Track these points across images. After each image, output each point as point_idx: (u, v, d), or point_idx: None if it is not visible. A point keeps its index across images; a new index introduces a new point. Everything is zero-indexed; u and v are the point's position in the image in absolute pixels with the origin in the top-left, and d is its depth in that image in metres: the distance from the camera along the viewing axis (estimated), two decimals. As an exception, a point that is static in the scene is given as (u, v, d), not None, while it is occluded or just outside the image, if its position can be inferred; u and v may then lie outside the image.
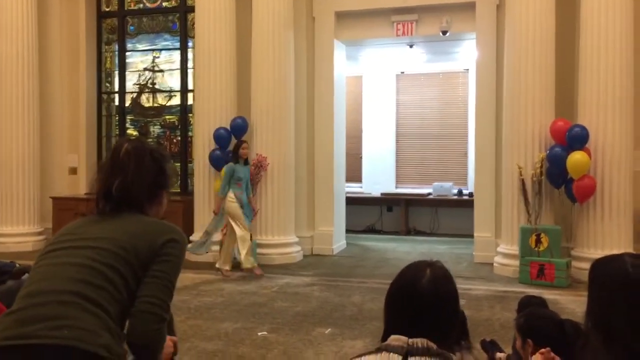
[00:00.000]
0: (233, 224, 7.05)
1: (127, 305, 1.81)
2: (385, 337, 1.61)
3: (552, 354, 2.18)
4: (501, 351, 4.18)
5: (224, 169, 7.18)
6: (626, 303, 1.66)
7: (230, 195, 7.06)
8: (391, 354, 1.53)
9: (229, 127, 7.91)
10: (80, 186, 9.49)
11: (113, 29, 9.89)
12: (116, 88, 9.91)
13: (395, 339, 1.56)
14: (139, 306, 1.79)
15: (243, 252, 7.01)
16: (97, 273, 1.79)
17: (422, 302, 1.59)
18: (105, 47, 9.96)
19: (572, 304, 5.64)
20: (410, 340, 1.54)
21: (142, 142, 2.07)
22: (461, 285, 6.53)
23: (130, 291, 1.81)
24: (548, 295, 6.00)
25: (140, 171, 1.97)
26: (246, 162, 7.32)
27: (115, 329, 1.76)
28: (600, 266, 1.80)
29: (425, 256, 7.29)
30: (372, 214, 11.06)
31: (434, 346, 1.54)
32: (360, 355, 1.59)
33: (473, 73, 9.13)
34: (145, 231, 1.89)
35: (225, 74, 8.06)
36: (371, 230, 10.91)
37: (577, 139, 6.56)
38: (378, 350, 1.56)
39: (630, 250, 6.37)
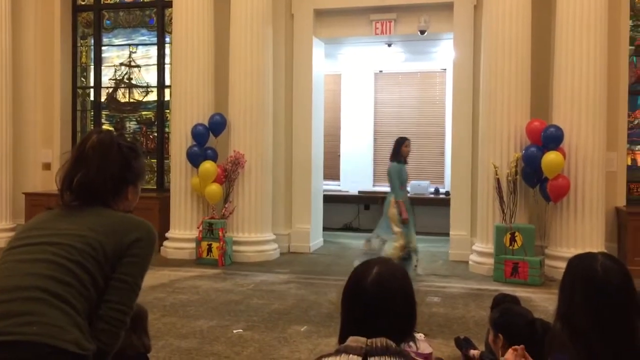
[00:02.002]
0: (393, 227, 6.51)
1: (95, 301, 1.79)
2: (342, 337, 1.59)
3: (525, 353, 2.20)
4: (475, 348, 4.23)
5: (392, 170, 6.48)
6: (589, 301, 1.70)
7: (392, 199, 6.47)
8: (350, 355, 1.51)
9: (207, 124, 7.86)
10: (54, 182, 9.32)
11: (89, 23, 9.75)
12: (91, 83, 9.77)
13: (354, 340, 1.54)
14: (108, 312, 1.80)
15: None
16: (64, 269, 1.76)
17: (368, 301, 1.58)
18: (80, 41, 9.81)
19: (545, 302, 5.72)
20: (369, 340, 1.52)
21: (111, 134, 2.00)
22: (436, 283, 6.64)
23: (97, 287, 1.80)
24: (522, 293, 6.11)
25: (104, 165, 1.92)
26: (405, 162, 6.66)
27: (83, 325, 1.74)
28: (573, 263, 1.84)
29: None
30: (350, 212, 11.08)
31: (393, 345, 1.52)
32: (320, 358, 1.57)
33: (450, 73, 9.19)
34: (111, 229, 1.86)
35: (203, 70, 8.00)
36: (348, 228, 10.93)
37: (551, 139, 6.65)
38: (337, 352, 1.54)
39: (602, 249, 6.49)
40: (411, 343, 1.61)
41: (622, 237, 7.26)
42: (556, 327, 1.77)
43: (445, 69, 10.82)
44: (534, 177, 6.87)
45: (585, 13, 6.71)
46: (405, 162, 6.57)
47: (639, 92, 7.73)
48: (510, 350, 1.90)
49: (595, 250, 2.20)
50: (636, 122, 7.72)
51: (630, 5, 7.56)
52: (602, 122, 6.83)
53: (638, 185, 7.69)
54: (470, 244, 7.63)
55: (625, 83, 7.54)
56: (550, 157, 6.60)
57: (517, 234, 6.72)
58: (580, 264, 1.79)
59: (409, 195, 7.13)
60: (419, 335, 3.21)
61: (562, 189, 6.66)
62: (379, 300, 1.57)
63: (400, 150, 6.51)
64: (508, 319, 3.06)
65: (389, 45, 9.68)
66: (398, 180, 6.40)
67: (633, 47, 7.69)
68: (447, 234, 8.34)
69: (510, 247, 6.74)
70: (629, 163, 7.67)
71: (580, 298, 1.71)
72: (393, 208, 6.41)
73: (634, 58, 7.72)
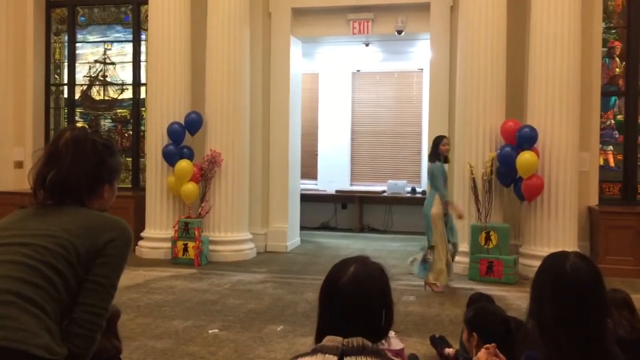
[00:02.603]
0: (433, 229, 6.25)
1: (67, 304, 1.74)
2: (318, 336, 1.58)
3: (497, 351, 2.22)
4: (450, 347, 4.25)
5: (435, 169, 6.26)
6: (558, 299, 1.72)
7: (437, 198, 6.22)
8: (327, 355, 1.50)
9: (183, 122, 7.79)
10: (26, 180, 9.15)
11: (62, 19, 9.60)
12: (65, 80, 9.62)
13: (331, 340, 1.52)
14: (82, 315, 1.74)
15: (434, 263, 6.23)
16: (35, 271, 1.71)
17: (344, 301, 1.56)
18: (54, 37, 9.64)
19: (518, 300, 5.78)
20: (345, 340, 1.51)
21: (85, 131, 1.95)
22: (412, 282, 6.68)
23: (69, 289, 1.75)
24: (496, 291, 6.18)
25: (78, 162, 1.86)
26: (446, 160, 6.42)
27: (54, 329, 1.69)
28: (546, 262, 1.87)
29: (378, 253, 7.31)
30: (327, 211, 11.09)
31: (370, 344, 1.51)
32: (296, 357, 1.56)
33: (427, 72, 9.25)
34: (85, 229, 1.80)
35: (179, 68, 7.93)
36: (325, 227, 10.94)
37: (526, 139, 6.73)
38: (314, 351, 1.53)
39: (575, 247, 6.59)
40: (383, 341, 1.60)
41: (595, 236, 7.37)
42: (528, 325, 1.80)
43: (422, 69, 10.88)
44: (509, 176, 6.94)
45: (560, 15, 6.80)
46: (446, 161, 6.39)
47: (611, 93, 7.86)
48: (482, 350, 1.91)
49: (568, 249, 2.23)
50: (608, 122, 7.85)
51: (603, 8, 7.68)
52: (576, 123, 6.93)
53: (610, 184, 7.82)
54: (446, 243, 7.67)
55: (598, 84, 7.66)
56: (525, 157, 6.67)
57: (492, 232, 6.79)
58: (551, 263, 1.82)
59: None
60: (390, 333, 3.24)
61: (536, 188, 6.74)
62: (355, 300, 1.56)
63: (438, 149, 6.33)
64: (482, 317, 3.08)
65: (367, 44, 9.70)
66: (442, 178, 6.27)
67: (606, 49, 7.82)
68: (424, 233, 8.35)
69: (486, 246, 6.81)
70: (601, 163, 7.80)
71: (549, 296, 1.74)
72: (436, 207, 6.20)
73: (607, 60, 7.85)
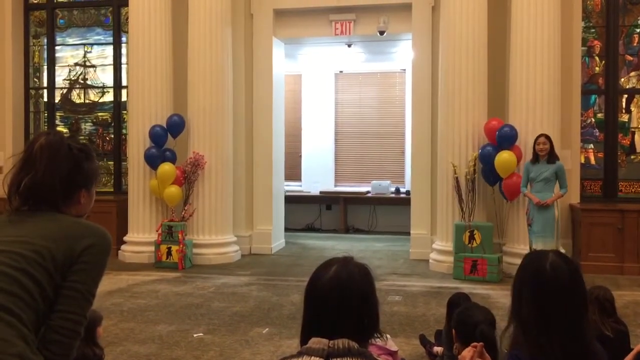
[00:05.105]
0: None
1: (43, 311, 1.71)
2: (303, 338, 1.56)
3: (483, 350, 2.21)
4: (439, 345, 4.27)
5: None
6: (537, 298, 1.73)
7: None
8: (312, 357, 1.49)
9: (165, 125, 7.73)
10: (6, 185, 9.03)
11: (41, 22, 9.48)
12: (45, 83, 9.50)
13: (316, 342, 1.51)
14: (59, 322, 1.70)
15: None
16: (9, 279, 1.67)
17: (325, 302, 1.55)
18: (33, 40, 9.52)
19: (502, 298, 5.80)
20: (331, 342, 1.49)
21: (60, 135, 1.90)
22: (397, 282, 6.68)
23: (46, 297, 1.71)
24: (480, 290, 6.22)
25: (52, 167, 1.81)
26: (550, 160, 6.32)
27: (29, 337, 1.66)
28: (526, 260, 1.87)
29: (362, 254, 7.33)
30: (311, 213, 11.07)
31: (355, 345, 1.50)
32: None
33: (410, 73, 9.27)
34: (61, 235, 1.76)
35: (161, 71, 7.87)
36: (310, 228, 10.92)
37: (506, 138, 6.77)
38: (299, 354, 1.51)
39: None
40: (378, 336, 1.59)
41: (577, 233, 7.43)
42: (511, 324, 1.80)
43: (404, 70, 10.90)
44: (491, 176, 6.98)
45: (539, 15, 6.86)
46: (549, 161, 6.33)
47: (591, 92, 7.94)
48: (468, 348, 1.90)
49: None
50: (589, 121, 7.93)
51: (582, 7, 7.77)
52: (557, 121, 7.00)
53: (591, 182, 7.90)
54: (431, 243, 7.70)
55: (578, 83, 7.74)
56: (503, 157, 6.72)
57: (475, 231, 6.82)
58: (530, 262, 1.82)
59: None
60: (386, 335, 3.26)
61: (516, 187, 6.77)
62: (335, 301, 1.54)
63: (533, 148, 6.43)
64: (469, 317, 3.09)
65: (349, 45, 9.71)
66: (525, 177, 6.45)
67: (585, 48, 7.90)
68: (408, 233, 8.41)
69: (469, 245, 6.84)
70: (582, 161, 7.87)
71: (529, 295, 1.75)
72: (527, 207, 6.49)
73: (587, 58, 7.93)
